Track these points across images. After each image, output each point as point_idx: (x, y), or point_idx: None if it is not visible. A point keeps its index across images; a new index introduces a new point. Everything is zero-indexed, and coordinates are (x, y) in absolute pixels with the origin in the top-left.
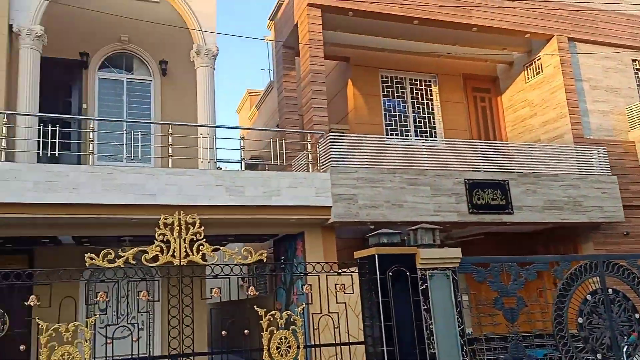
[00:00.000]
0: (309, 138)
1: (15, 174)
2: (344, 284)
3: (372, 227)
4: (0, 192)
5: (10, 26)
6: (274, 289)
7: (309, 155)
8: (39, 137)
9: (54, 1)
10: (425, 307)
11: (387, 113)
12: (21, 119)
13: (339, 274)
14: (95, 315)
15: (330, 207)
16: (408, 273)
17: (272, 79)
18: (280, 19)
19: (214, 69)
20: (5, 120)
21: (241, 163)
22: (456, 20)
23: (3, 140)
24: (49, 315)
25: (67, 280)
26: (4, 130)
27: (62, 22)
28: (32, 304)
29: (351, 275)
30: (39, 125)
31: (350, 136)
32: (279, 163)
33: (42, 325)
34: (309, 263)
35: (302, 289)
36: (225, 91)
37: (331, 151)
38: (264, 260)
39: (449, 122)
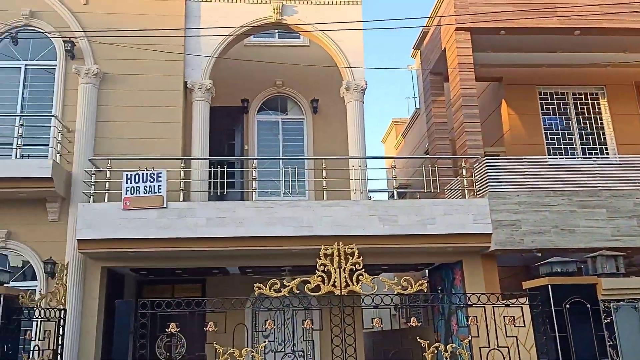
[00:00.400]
0: (463, 163)
1: (191, 212)
2: (513, 316)
3: (539, 254)
4: (179, 228)
5: (185, 83)
6: (430, 320)
7: (464, 180)
8: (210, 178)
9: (220, 57)
10: (611, 343)
11: (547, 132)
12: (195, 162)
13: (507, 305)
14: (263, 341)
15: (490, 234)
16: (588, 305)
17: (418, 107)
18: (426, 46)
19: (363, 103)
20: (182, 164)
21: (394, 192)
22: (624, 25)
23: (181, 182)
24: (221, 341)
25: (239, 308)
26: (182, 173)
27: (225, 74)
28: (210, 329)
29: (521, 306)
30: (209, 167)
31: (508, 159)
32: (431, 190)
33: (219, 350)
34: (473, 294)
35: (465, 321)
36: (369, 121)
37: (488, 175)
38: (425, 291)
39: (623, 136)
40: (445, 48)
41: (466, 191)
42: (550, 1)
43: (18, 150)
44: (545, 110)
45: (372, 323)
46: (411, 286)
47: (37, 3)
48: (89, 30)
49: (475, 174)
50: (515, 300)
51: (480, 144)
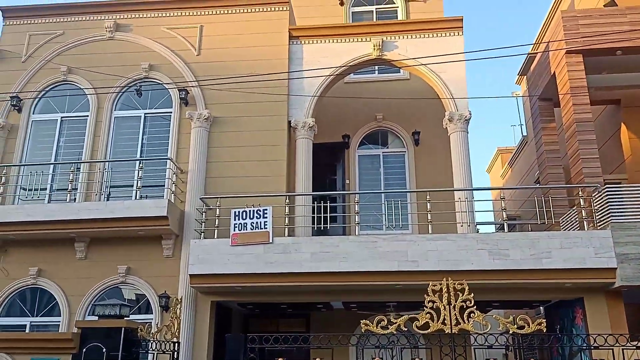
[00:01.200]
0: (580, 192)
1: (295, 247)
2: None
3: None
4: (285, 263)
5: (289, 122)
6: None
7: (583, 211)
8: (313, 213)
9: (321, 96)
10: None
11: None
12: (298, 198)
13: (639, 347)
14: None
15: (615, 268)
16: None
17: (525, 134)
18: (532, 72)
19: (467, 133)
20: (287, 201)
21: (504, 224)
22: None
23: (286, 218)
24: None
25: (345, 345)
26: (286, 209)
27: (327, 111)
28: None
29: None
30: (312, 203)
31: (633, 186)
32: (545, 222)
33: None
34: (599, 334)
35: None
36: (472, 151)
37: (610, 205)
38: (543, 330)
39: None
40: (554, 73)
41: (585, 222)
42: None
43: (137, 191)
44: None
45: None
46: (528, 325)
47: (155, 57)
48: (201, 79)
49: (595, 204)
50: None
51: (598, 172)
